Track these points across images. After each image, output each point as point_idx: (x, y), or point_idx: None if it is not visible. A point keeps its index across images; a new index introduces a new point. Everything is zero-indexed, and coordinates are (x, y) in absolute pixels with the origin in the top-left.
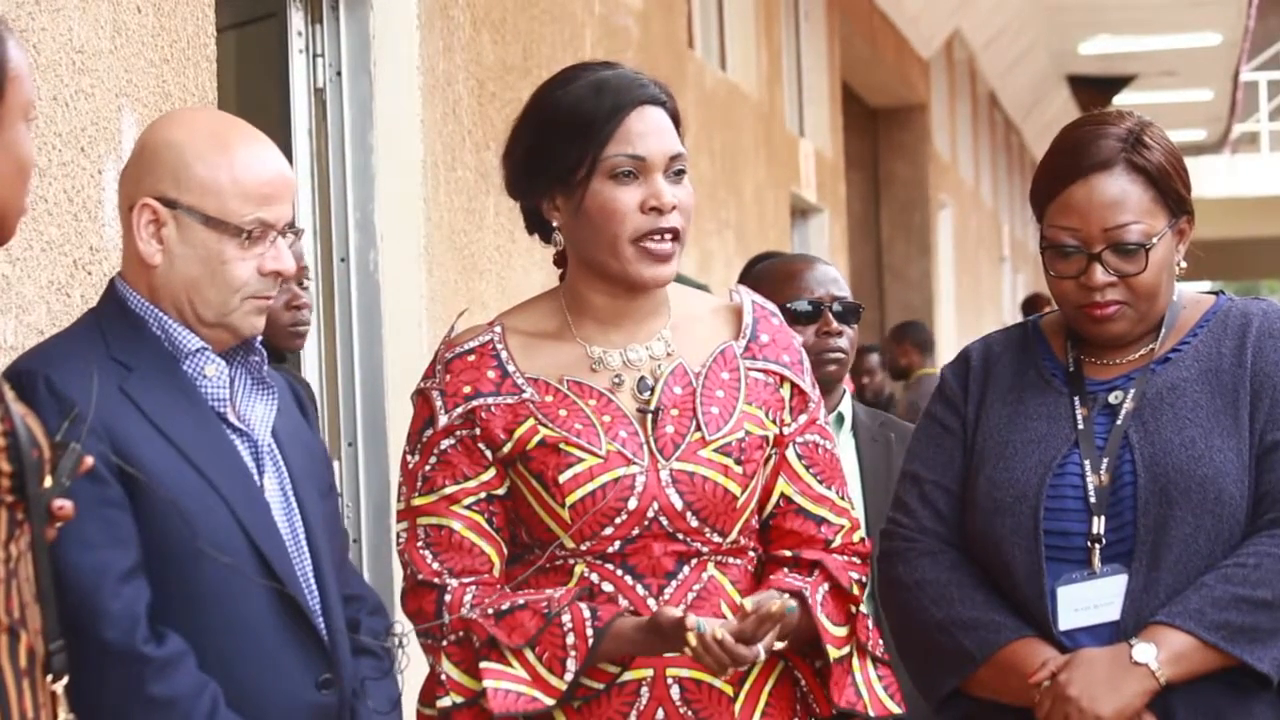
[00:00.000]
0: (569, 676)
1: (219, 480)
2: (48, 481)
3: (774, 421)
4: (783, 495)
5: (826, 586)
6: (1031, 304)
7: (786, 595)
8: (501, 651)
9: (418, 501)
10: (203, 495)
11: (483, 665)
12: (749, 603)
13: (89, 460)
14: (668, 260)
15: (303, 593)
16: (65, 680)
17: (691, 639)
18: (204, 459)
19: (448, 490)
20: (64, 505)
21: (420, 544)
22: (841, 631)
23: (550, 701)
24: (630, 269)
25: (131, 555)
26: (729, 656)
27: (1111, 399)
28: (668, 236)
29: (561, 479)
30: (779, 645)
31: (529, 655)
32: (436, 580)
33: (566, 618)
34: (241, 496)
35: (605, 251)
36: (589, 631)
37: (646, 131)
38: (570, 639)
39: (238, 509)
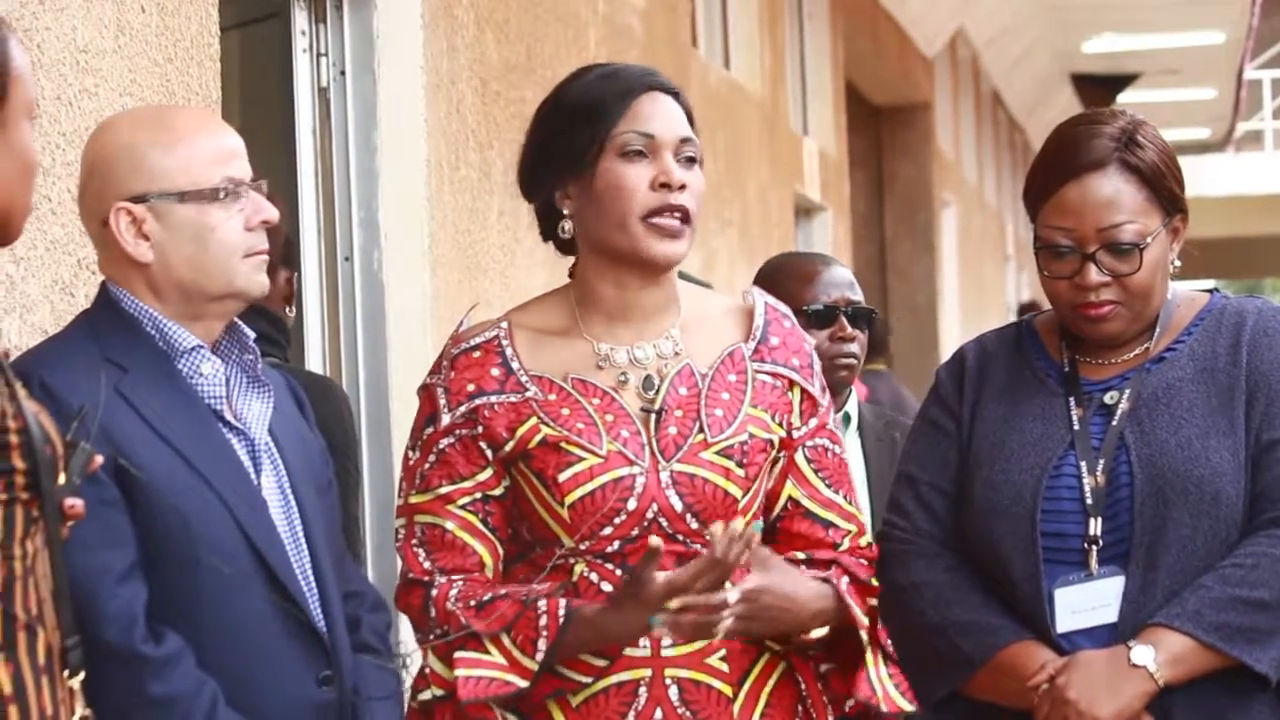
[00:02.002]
0: (539, 655)
1: (216, 479)
2: (61, 479)
3: (780, 425)
4: (790, 499)
5: (847, 579)
6: (1028, 311)
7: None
8: (480, 640)
9: (414, 499)
10: (200, 494)
11: (457, 655)
12: (717, 527)
13: (98, 459)
14: (678, 237)
15: (302, 591)
16: (81, 676)
17: (656, 629)
18: (201, 458)
19: (443, 490)
20: (75, 504)
21: (415, 542)
22: (865, 622)
23: (523, 684)
24: (640, 245)
25: (129, 555)
26: (704, 619)
27: (1107, 399)
28: (677, 215)
29: (561, 478)
30: (819, 633)
31: (505, 641)
32: (425, 578)
33: (543, 604)
34: (239, 495)
35: (615, 230)
36: (561, 614)
37: (656, 113)
38: (543, 621)
39: (235, 508)
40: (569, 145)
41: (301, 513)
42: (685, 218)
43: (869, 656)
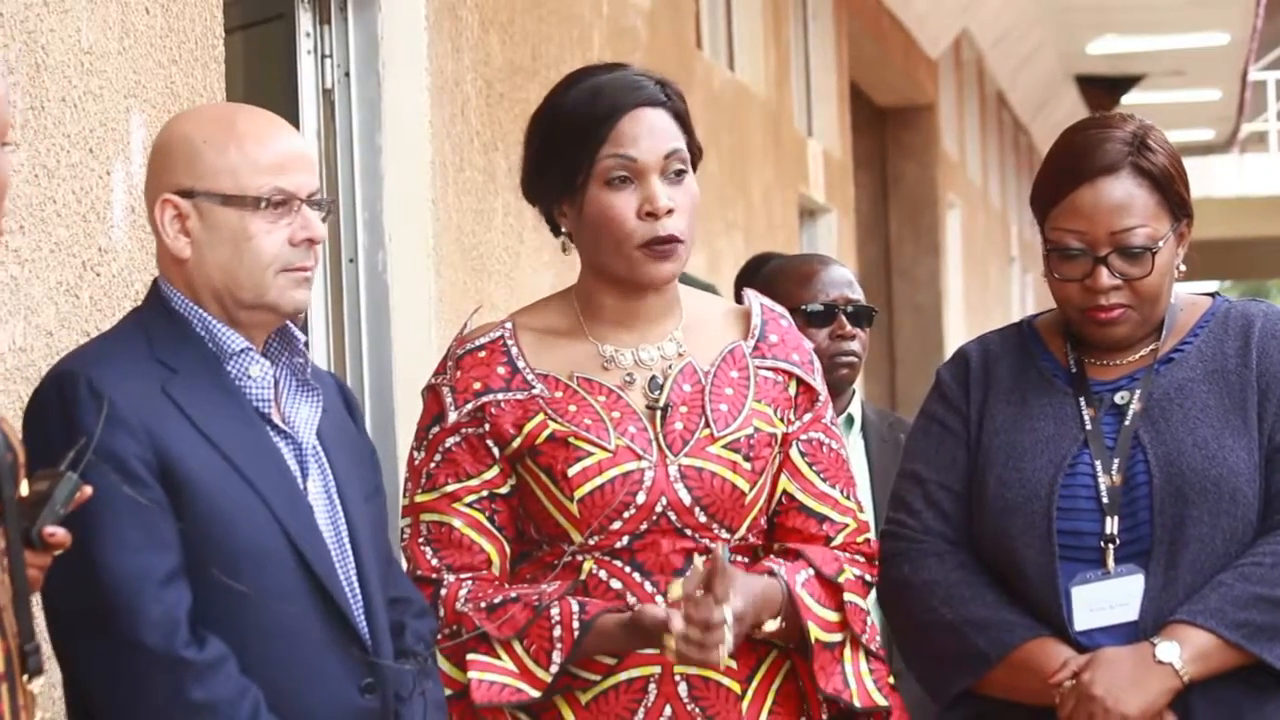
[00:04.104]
0: (554, 669)
1: (261, 482)
2: (23, 487)
3: (782, 420)
4: (785, 492)
5: (811, 571)
6: None
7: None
8: (491, 644)
9: (421, 498)
10: (244, 498)
11: (469, 658)
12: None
13: (87, 490)
14: (670, 258)
15: (345, 597)
16: (41, 680)
17: (670, 644)
18: (246, 461)
19: (449, 488)
20: (55, 532)
21: (421, 540)
22: (831, 616)
23: (535, 693)
24: (635, 269)
25: (173, 558)
26: (705, 630)
27: (1118, 399)
28: (667, 242)
29: (570, 472)
30: (771, 626)
31: (517, 647)
32: (434, 576)
33: (556, 611)
34: (284, 499)
35: (609, 256)
36: (575, 625)
37: (640, 134)
38: (557, 631)
39: (280, 511)
40: (559, 168)
41: (348, 517)
42: (676, 240)
43: (846, 652)
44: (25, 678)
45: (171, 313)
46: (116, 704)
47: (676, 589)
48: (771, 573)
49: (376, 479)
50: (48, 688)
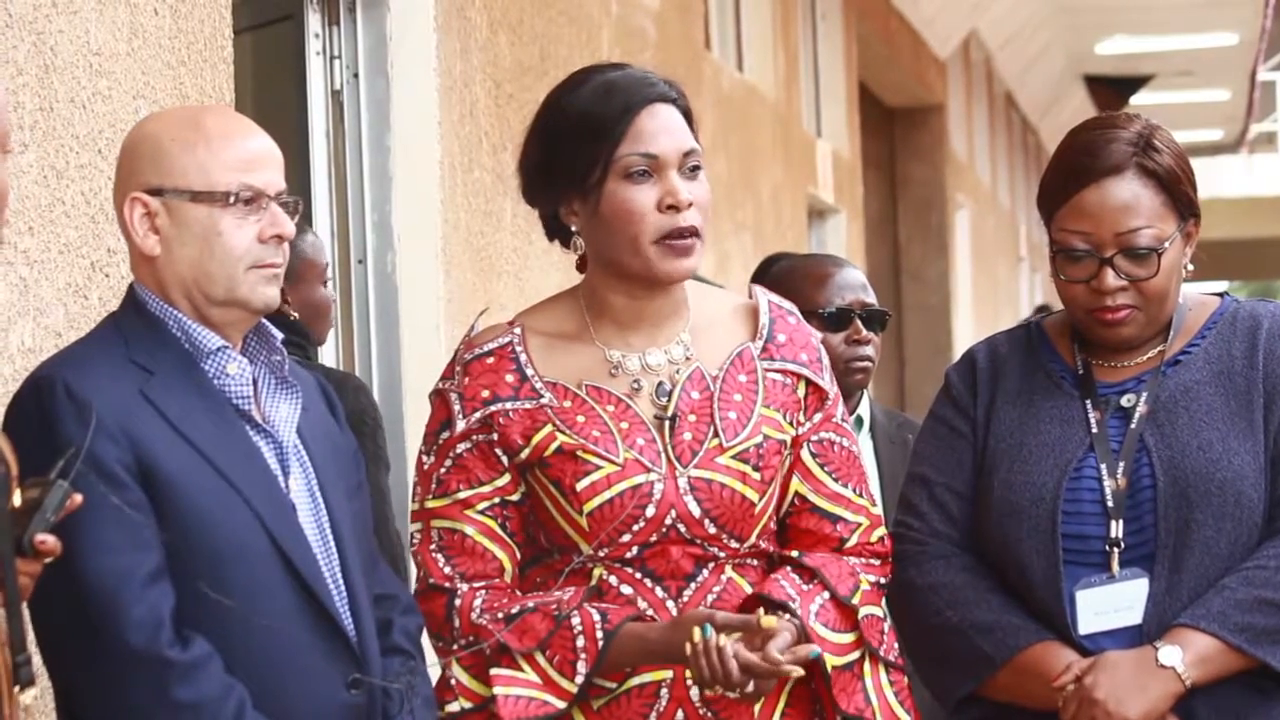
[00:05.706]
0: (579, 679)
1: (241, 482)
2: (16, 497)
3: (791, 424)
4: (797, 494)
5: (825, 596)
6: (1041, 312)
7: (812, 646)
8: (513, 656)
9: (431, 504)
10: (225, 497)
11: (493, 672)
12: (777, 642)
13: (78, 498)
14: (689, 254)
15: (330, 594)
16: (34, 691)
17: (696, 634)
18: (226, 461)
19: (461, 495)
20: (46, 540)
21: (433, 547)
22: (846, 639)
23: (561, 705)
24: (652, 266)
25: (154, 558)
26: (721, 673)
27: (1124, 402)
28: (687, 234)
29: (579, 486)
30: (799, 672)
31: (540, 659)
32: (447, 584)
33: (576, 620)
34: (265, 498)
35: (626, 252)
36: (599, 634)
37: (658, 130)
38: (580, 641)
39: (261, 510)
40: (571, 164)
41: (330, 515)
42: (695, 233)
43: (866, 667)
44: (17, 689)
45: (147, 314)
46: (102, 705)
47: (771, 620)
48: (786, 607)
49: (359, 476)
50: (40, 701)
